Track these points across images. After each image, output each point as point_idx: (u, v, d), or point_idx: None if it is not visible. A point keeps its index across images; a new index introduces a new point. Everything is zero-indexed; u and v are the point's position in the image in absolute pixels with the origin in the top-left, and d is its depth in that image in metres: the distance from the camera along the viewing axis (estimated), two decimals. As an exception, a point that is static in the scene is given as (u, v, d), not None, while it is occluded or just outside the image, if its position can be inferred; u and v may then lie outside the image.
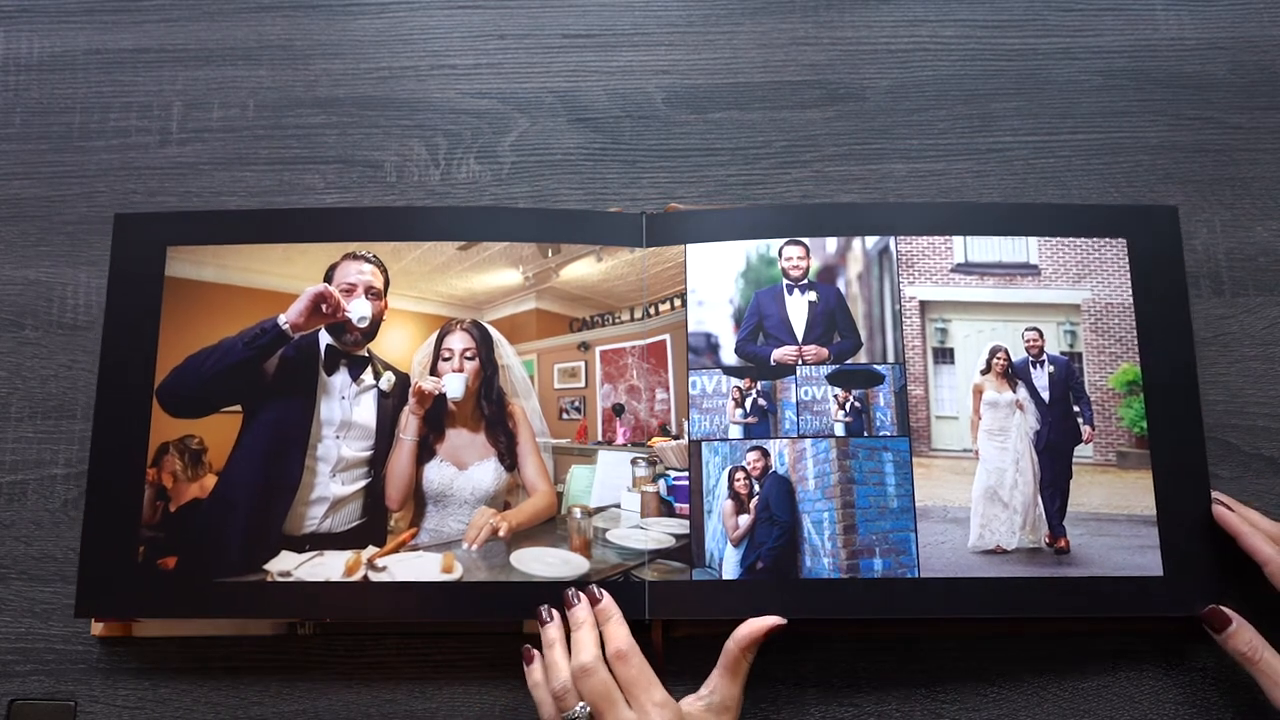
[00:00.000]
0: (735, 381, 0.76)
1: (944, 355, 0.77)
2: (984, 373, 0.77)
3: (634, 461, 0.76)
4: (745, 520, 0.73)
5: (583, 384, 0.78)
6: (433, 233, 0.79)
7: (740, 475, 0.74)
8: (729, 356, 0.77)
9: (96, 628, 0.75)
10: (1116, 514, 0.73)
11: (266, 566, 0.73)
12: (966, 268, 0.78)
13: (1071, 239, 0.78)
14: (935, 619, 0.72)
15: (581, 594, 0.69)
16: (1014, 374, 0.77)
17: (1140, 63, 0.86)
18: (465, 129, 0.87)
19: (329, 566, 0.73)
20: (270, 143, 0.87)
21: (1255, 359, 0.79)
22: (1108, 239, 0.78)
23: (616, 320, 0.78)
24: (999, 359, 0.77)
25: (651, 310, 0.77)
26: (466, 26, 0.90)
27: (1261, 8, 0.87)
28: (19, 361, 0.82)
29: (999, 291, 0.78)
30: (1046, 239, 0.78)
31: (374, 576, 0.73)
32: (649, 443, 0.76)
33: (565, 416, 0.77)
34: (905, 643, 0.74)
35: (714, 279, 0.78)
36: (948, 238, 0.78)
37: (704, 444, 0.75)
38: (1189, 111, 0.85)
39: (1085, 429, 0.76)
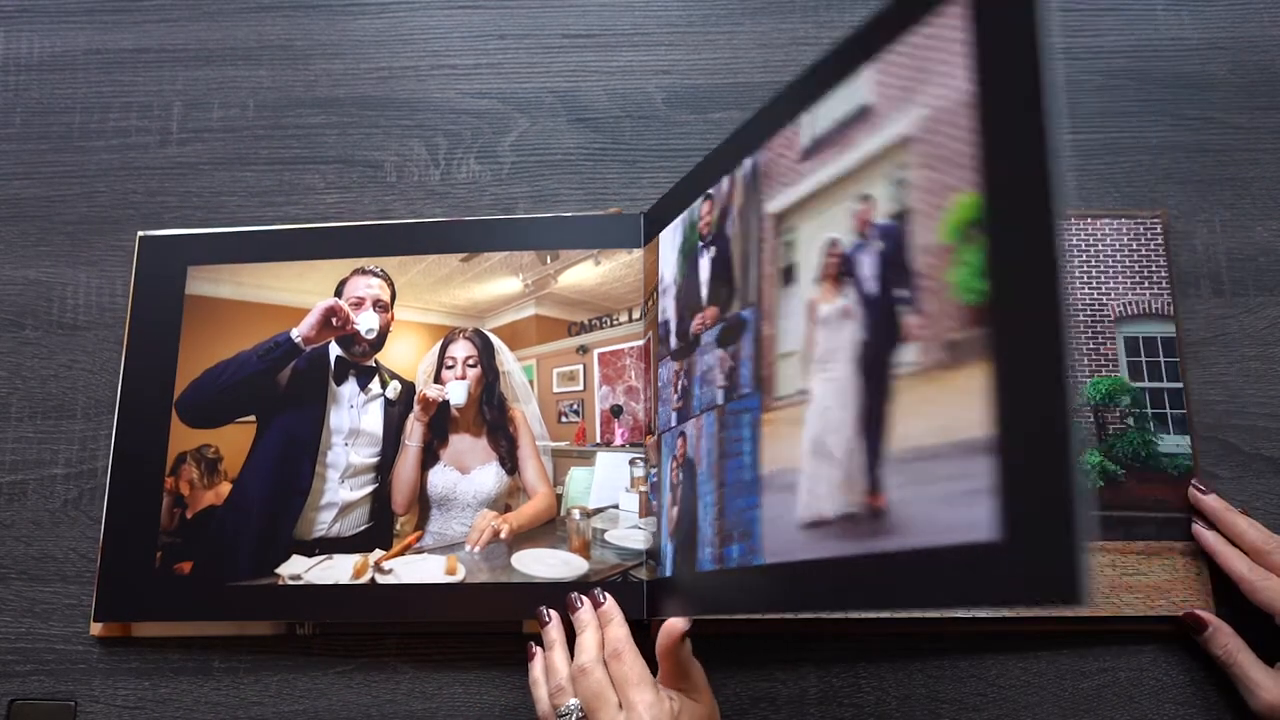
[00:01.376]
0: (674, 366, 0.71)
1: (789, 274, 0.59)
2: (819, 281, 0.56)
3: (632, 462, 0.76)
4: (676, 513, 0.69)
5: (581, 387, 0.78)
6: (438, 246, 0.81)
7: (673, 465, 0.70)
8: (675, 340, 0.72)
9: (96, 628, 0.75)
10: (941, 443, 0.45)
11: (278, 570, 0.74)
12: (810, 150, 0.57)
13: (906, 39, 0.51)
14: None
15: (584, 598, 0.69)
16: (847, 271, 0.54)
17: (1140, 63, 0.86)
18: (465, 129, 0.87)
19: (338, 570, 0.74)
20: (270, 143, 0.87)
21: (1255, 359, 0.79)
22: (946, 7, 0.49)
23: (614, 322, 0.78)
24: (831, 256, 0.55)
25: (647, 309, 0.77)
26: (466, 26, 0.90)
27: (1261, 8, 0.87)
28: (19, 361, 0.83)
29: (835, 164, 0.55)
30: (881, 59, 0.52)
31: (381, 579, 0.74)
32: (645, 441, 0.76)
33: (564, 419, 0.77)
34: (904, 642, 0.74)
35: (671, 262, 0.74)
36: (796, 124, 0.59)
37: (662, 437, 0.73)
38: (1189, 111, 0.85)
39: (909, 320, 0.49)
